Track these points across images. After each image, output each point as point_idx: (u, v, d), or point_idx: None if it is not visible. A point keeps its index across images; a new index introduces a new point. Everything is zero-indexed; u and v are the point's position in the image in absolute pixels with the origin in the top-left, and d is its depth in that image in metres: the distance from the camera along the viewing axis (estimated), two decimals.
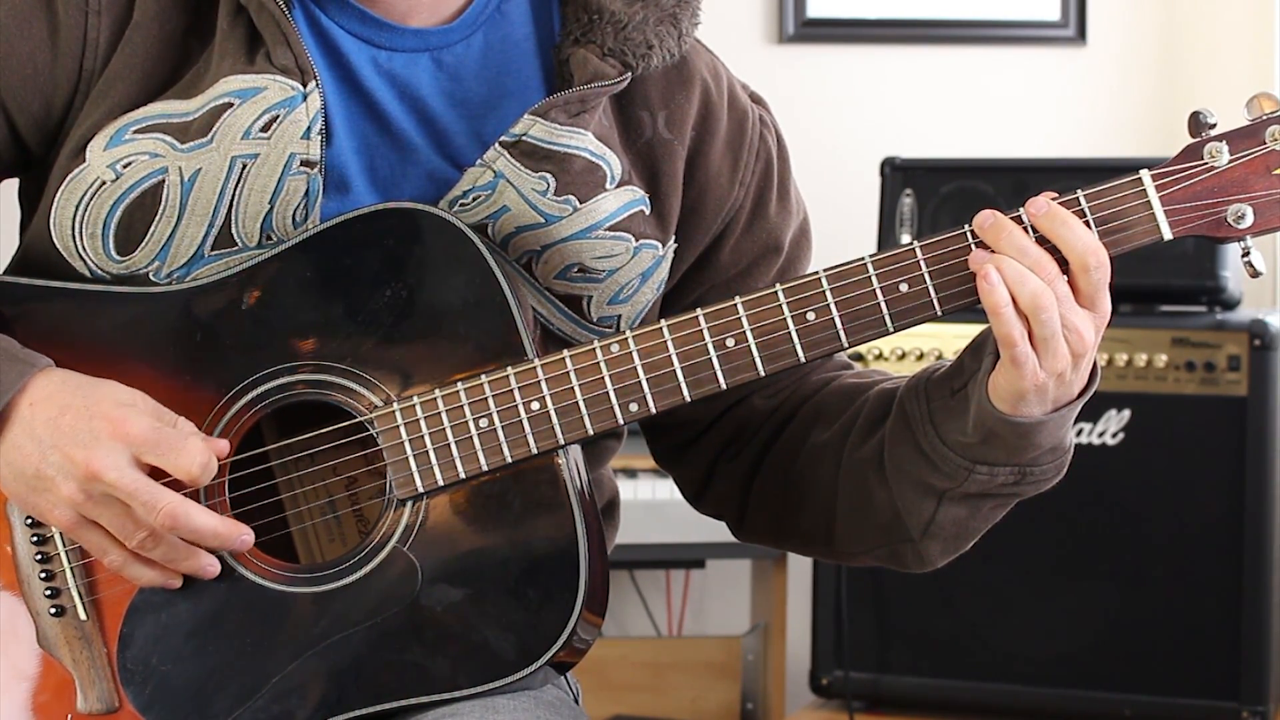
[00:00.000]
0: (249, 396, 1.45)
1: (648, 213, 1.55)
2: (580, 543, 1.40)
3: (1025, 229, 1.39)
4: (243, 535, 1.42)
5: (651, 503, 3.10)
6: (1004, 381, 1.40)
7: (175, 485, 1.40)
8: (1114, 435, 2.89)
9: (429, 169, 1.51)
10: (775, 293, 1.42)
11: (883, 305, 1.41)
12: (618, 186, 1.53)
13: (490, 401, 1.42)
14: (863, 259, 1.42)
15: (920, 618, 2.98)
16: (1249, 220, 1.40)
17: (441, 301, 1.44)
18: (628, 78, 1.52)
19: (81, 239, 1.48)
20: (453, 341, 1.44)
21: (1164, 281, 2.92)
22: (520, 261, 1.51)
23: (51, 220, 1.49)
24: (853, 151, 3.53)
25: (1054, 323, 1.37)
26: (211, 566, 1.42)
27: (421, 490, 1.42)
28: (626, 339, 1.43)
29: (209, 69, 1.48)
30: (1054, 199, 1.39)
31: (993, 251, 1.38)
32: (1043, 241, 1.38)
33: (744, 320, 1.43)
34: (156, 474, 1.40)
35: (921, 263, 1.41)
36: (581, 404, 1.42)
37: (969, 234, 1.41)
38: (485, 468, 1.42)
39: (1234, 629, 2.83)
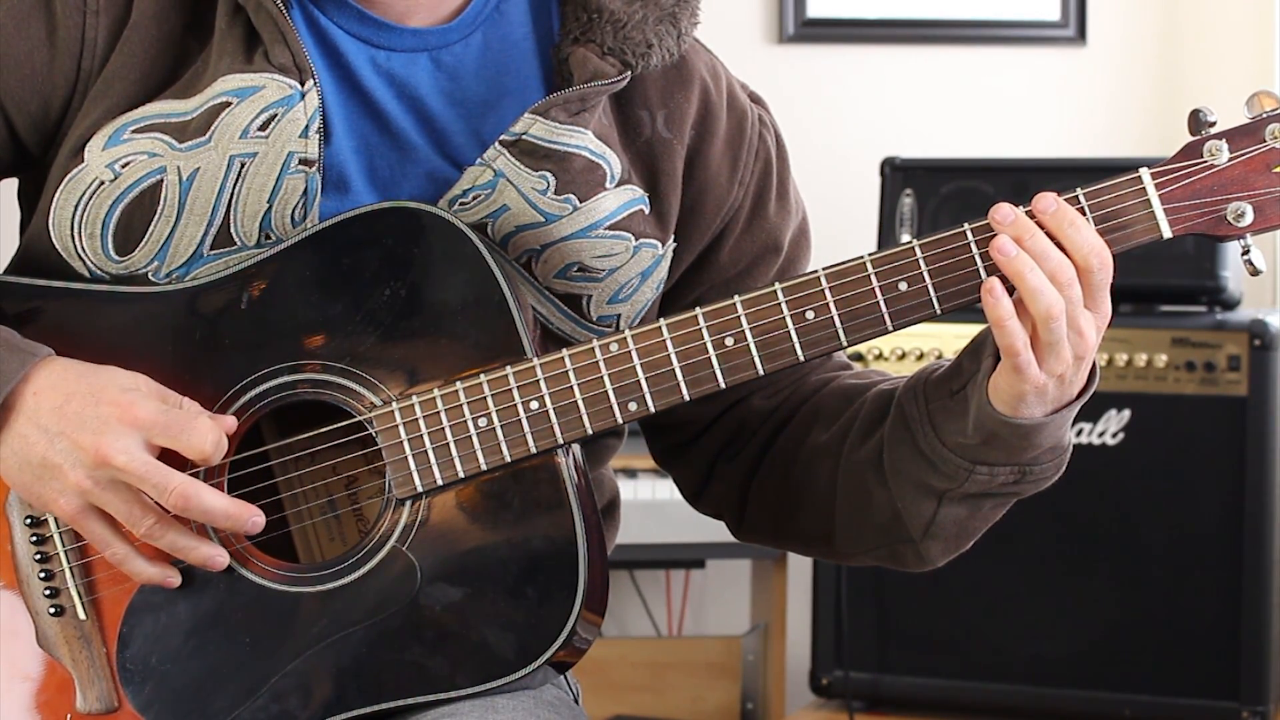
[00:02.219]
0: (248, 396, 1.45)
1: (647, 212, 1.55)
2: (580, 542, 1.40)
3: None
4: (254, 516, 1.40)
5: (651, 503, 3.10)
6: (1004, 384, 1.40)
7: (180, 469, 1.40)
8: (1114, 435, 2.89)
9: (428, 168, 1.51)
10: (774, 292, 1.42)
11: (882, 304, 1.41)
12: (617, 185, 1.53)
13: (489, 401, 1.42)
14: (862, 258, 1.42)
15: (920, 618, 2.98)
16: (1249, 218, 1.39)
17: (440, 301, 1.44)
18: (627, 76, 1.52)
19: (80, 239, 1.48)
20: (452, 341, 1.43)
21: (1164, 281, 2.91)
22: (520, 260, 1.51)
23: (50, 220, 1.49)
24: (853, 151, 3.53)
25: (1061, 330, 1.36)
26: (220, 557, 1.42)
27: (420, 490, 1.42)
28: (625, 338, 1.43)
29: (207, 68, 1.48)
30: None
31: (992, 243, 1.38)
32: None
33: (743, 319, 1.42)
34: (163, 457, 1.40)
35: (921, 262, 1.40)
36: (580, 403, 1.42)
37: (969, 233, 1.40)
38: (484, 467, 1.42)
39: (1234, 629, 2.83)
